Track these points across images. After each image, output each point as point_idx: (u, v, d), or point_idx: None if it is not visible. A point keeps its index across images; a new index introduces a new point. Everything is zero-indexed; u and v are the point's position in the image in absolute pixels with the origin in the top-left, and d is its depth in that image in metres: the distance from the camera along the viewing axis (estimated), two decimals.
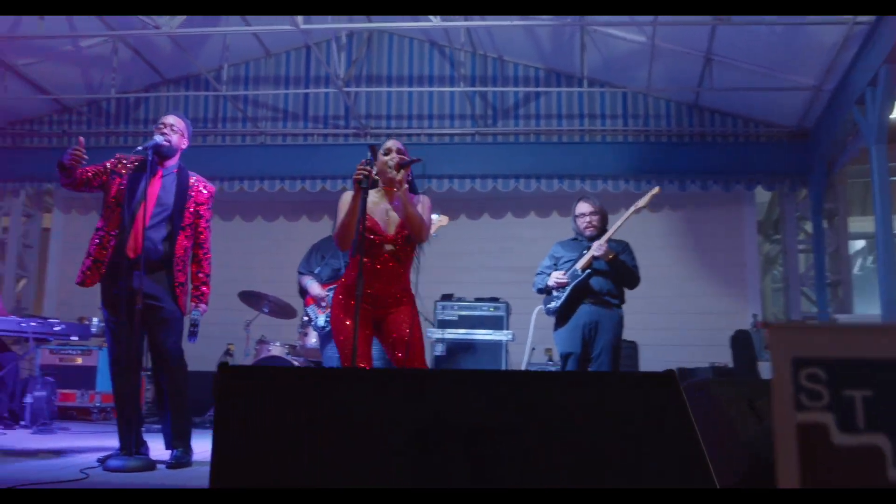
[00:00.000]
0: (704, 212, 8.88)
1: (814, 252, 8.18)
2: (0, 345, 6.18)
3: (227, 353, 7.95)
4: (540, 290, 5.20)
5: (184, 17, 6.53)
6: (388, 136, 8.73)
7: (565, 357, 5.03)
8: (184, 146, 4.33)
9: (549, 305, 5.13)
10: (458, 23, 7.35)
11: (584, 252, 5.02)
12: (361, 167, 3.61)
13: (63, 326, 5.97)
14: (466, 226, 9.61)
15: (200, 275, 4.25)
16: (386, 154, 3.75)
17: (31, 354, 6.31)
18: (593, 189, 8.38)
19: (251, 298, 7.07)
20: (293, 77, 8.89)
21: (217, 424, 1.48)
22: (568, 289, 4.97)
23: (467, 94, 8.46)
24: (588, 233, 5.08)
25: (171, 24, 6.45)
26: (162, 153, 4.17)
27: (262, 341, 7.21)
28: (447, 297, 6.98)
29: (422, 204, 3.84)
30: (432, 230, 5.43)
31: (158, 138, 4.15)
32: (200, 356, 8.67)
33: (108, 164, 4.20)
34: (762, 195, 9.37)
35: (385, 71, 8.85)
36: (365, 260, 3.60)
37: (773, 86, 7.31)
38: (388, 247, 3.72)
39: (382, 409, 1.47)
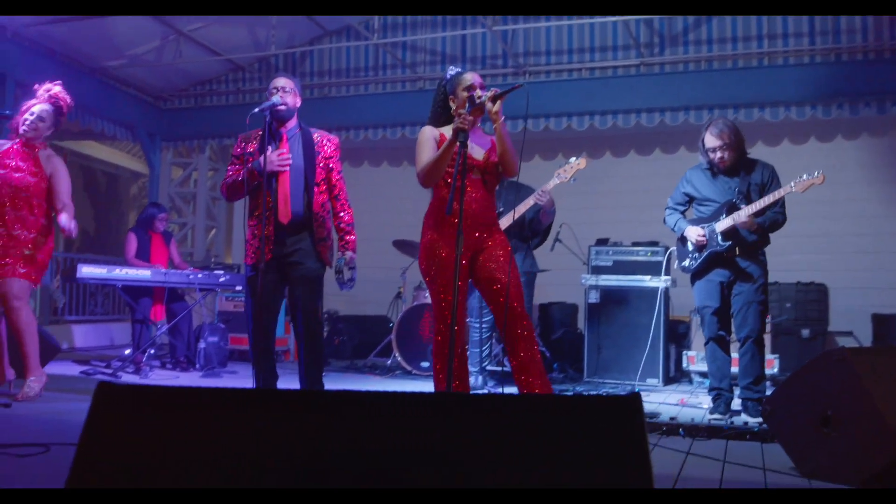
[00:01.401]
0: None
1: None
2: (175, 295, 6.66)
3: (398, 296, 8.11)
4: (673, 230, 4.79)
5: None
6: (548, 73, 8.42)
7: (704, 311, 4.62)
8: (298, 104, 4.33)
9: (683, 263, 4.72)
10: None
11: (728, 198, 4.51)
12: (466, 116, 3.42)
13: (227, 277, 6.30)
14: (625, 164, 9.14)
15: (342, 224, 4.25)
16: (469, 90, 3.59)
17: (199, 305, 6.72)
18: (774, 118, 7.59)
19: (405, 246, 7.11)
20: (450, 19, 8.70)
21: (81, 445, 1.37)
22: (705, 253, 4.53)
23: (631, 22, 7.87)
24: (720, 167, 4.56)
25: None
26: (281, 116, 4.18)
27: (419, 288, 7.26)
28: (602, 242, 6.63)
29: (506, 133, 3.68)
30: (569, 175, 5.16)
31: (275, 99, 4.16)
32: (373, 300, 9.00)
33: (236, 153, 4.27)
34: None
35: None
36: (446, 188, 3.58)
37: None
38: (476, 173, 3.65)
39: (266, 437, 1.31)
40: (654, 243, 6.46)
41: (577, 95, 8.11)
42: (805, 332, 7.40)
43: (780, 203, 4.50)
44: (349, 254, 4.21)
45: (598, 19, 8.05)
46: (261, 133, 4.19)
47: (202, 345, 6.45)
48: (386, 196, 9.56)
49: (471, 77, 3.66)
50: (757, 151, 8.28)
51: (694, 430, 3.89)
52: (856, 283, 7.84)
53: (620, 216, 8.44)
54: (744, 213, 4.39)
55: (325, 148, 4.26)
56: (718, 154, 4.53)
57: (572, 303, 7.89)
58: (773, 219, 4.50)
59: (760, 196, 4.48)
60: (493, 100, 3.46)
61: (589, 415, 1.22)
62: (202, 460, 1.31)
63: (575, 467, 1.18)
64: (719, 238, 4.48)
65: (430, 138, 3.67)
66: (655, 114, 7.91)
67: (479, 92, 3.56)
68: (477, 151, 3.66)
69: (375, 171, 10.17)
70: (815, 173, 4.40)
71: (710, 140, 4.55)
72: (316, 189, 4.16)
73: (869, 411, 2.81)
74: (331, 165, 4.24)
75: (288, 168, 4.12)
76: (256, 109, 4.10)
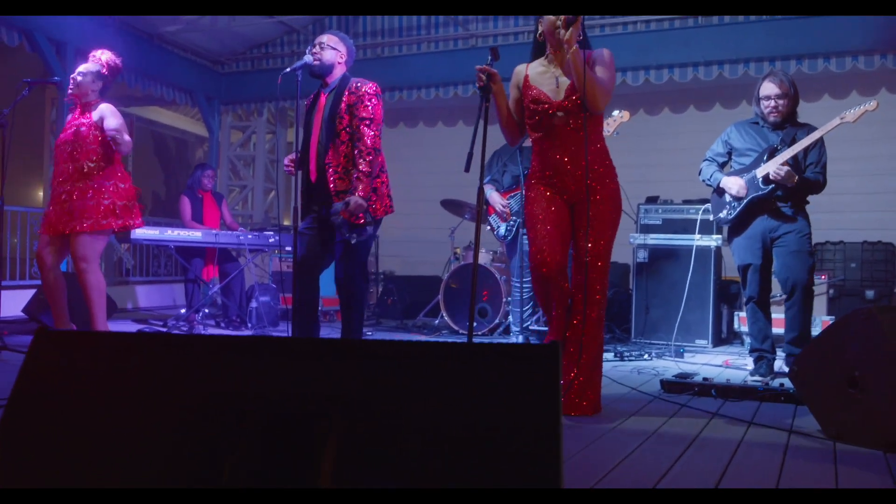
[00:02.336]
0: None
1: None
2: (227, 255, 6.81)
3: (455, 256, 8.11)
4: (707, 183, 4.63)
5: None
6: (602, 27, 8.19)
7: (744, 268, 4.47)
8: (341, 60, 4.26)
9: (720, 215, 4.56)
10: None
11: (769, 145, 4.34)
12: (481, 70, 3.33)
13: (277, 238, 6.41)
14: (683, 120, 8.86)
15: (355, 172, 3.96)
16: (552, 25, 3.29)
17: (250, 265, 6.86)
18: (840, 69, 7.23)
19: (453, 206, 7.08)
20: None
21: (15, 388, 1.41)
22: (744, 202, 4.36)
23: None
24: (772, 118, 4.37)
25: None
26: (314, 72, 4.17)
27: (468, 248, 7.24)
28: (652, 200, 6.46)
29: (600, 62, 3.34)
30: (611, 129, 5.02)
31: (307, 58, 4.15)
32: (428, 261, 9.04)
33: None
34: None
35: None
36: (536, 135, 3.45)
37: None
38: (559, 114, 3.35)
39: (177, 381, 1.31)
40: (706, 201, 6.26)
41: (633, 49, 7.87)
42: (869, 294, 7.10)
43: (821, 164, 4.30)
44: (353, 199, 3.87)
45: None
46: (314, 93, 4.21)
47: (254, 304, 6.60)
48: (443, 156, 9.53)
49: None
50: (824, 104, 7.99)
51: (727, 392, 3.78)
52: None
53: (678, 175, 8.20)
54: (778, 160, 4.21)
55: (351, 95, 4.04)
56: (773, 102, 4.35)
57: (623, 262, 7.75)
58: (814, 178, 4.30)
59: (804, 153, 4.30)
60: (565, 25, 3.19)
61: (504, 363, 1.18)
62: (125, 401, 1.34)
63: (485, 416, 1.15)
64: (760, 182, 4.31)
65: (511, 83, 3.51)
66: (714, 67, 7.64)
67: (552, 19, 3.27)
68: (562, 91, 3.36)
69: (430, 131, 10.15)
70: (869, 101, 4.18)
71: (768, 87, 4.39)
72: (338, 140, 4.04)
73: (893, 371, 2.68)
74: (355, 112, 4.01)
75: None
76: (288, 69, 4.10)
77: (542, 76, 3.43)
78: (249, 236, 6.39)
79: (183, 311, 6.92)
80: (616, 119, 5.01)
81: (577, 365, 3.34)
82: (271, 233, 6.63)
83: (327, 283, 4.52)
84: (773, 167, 4.22)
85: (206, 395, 1.29)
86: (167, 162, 14.45)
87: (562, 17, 3.22)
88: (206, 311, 6.68)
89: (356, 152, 4.00)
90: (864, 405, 2.79)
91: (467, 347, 1.23)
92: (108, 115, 4.68)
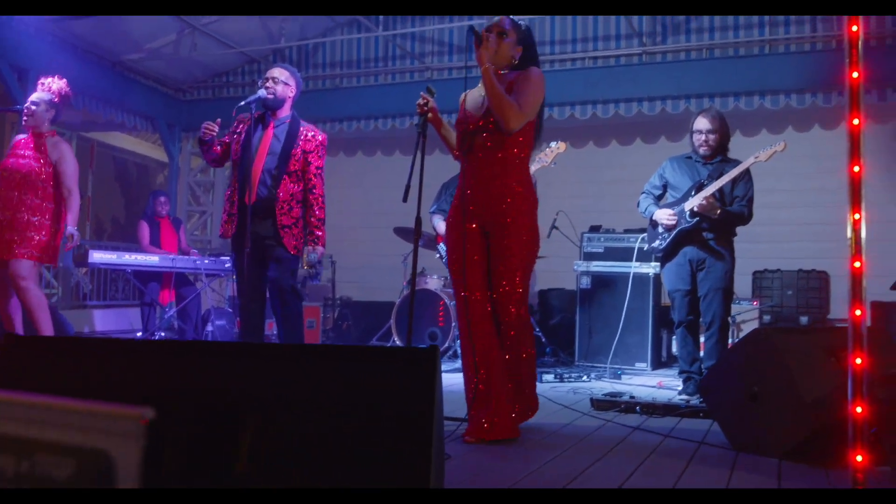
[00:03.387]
0: None
1: None
2: (184, 280, 6.96)
3: (407, 282, 8.32)
4: (643, 215, 4.93)
5: None
6: (552, 62, 8.53)
7: (673, 294, 4.76)
8: (291, 95, 4.52)
9: (652, 244, 4.87)
10: None
11: (697, 180, 4.65)
12: (420, 103, 3.54)
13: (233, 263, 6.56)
14: (629, 152, 9.21)
15: (312, 219, 4.38)
16: (488, 32, 3.38)
17: (206, 289, 7.00)
18: (774, 106, 7.63)
19: (405, 233, 7.31)
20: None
21: None
22: (674, 233, 4.66)
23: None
24: (702, 151, 4.71)
25: None
26: (268, 105, 4.41)
27: (421, 274, 7.46)
28: (595, 229, 6.76)
29: (522, 79, 3.33)
30: (549, 159, 5.28)
31: (261, 92, 4.39)
32: (384, 287, 9.23)
33: (230, 129, 4.53)
34: None
35: None
36: (460, 155, 3.49)
37: None
38: (478, 132, 3.36)
39: (100, 379, 1.52)
40: (646, 230, 6.57)
41: (580, 84, 8.21)
42: (804, 320, 7.45)
43: (747, 198, 4.61)
44: (319, 248, 4.36)
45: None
46: (251, 119, 4.43)
47: (210, 328, 6.75)
48: (397, 185, 9.76)
49: (495, 21, 3.41)
50: (760, 140, 8.37)
51: (651, 409, 4.04)
52: None
53: (625, 205, 8.49)
54: (703, 194, 4.51)
55: (308, 142, 4.42)
56: (703, 136, 4.68)
57: (571, 289, 8.02)
58: (738, 211, 4.60)
59: (731, 186, 4.61)
60: (477, 45, 3.28)
61: (387, 364, 1.39)
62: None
63: (368, 414, 1.36)
64: (687, 215, 4.61)
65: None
66: (657, 102, 8.00)
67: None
68: (478, 110, 3.42)
69: (387, 160, 10.39)
70: (778, 142, 4.54)
71: (700, 122, 4.75)
72: (287, 178, 4.34)
73: (788, 387, 2.94)
74: (309, 159, 4.39)
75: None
76: (242, 102, 4.35)
77: (474, 98, 3.53)
78: (206, 261, 6.56)
79: (139, 334, 7.03)
80: (553, 150, 5.27)
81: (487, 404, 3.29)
82: (227, 258, 6.79)
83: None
84: (698, 200, 4.52)
85: (147, 393, 1.50)
86: (128, 187, 14.48)
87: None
88: (163, 334, 6.80)
89: (312, 198, 4.39)
90: (762, 418, 3.05)
91: (356, 350, 1.44)
92: (66, 160, 4.90)
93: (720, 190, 4.58)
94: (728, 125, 4.79)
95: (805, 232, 8.32)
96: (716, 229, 4.63)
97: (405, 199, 3.39)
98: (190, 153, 10.55)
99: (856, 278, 2.12)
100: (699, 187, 4.61)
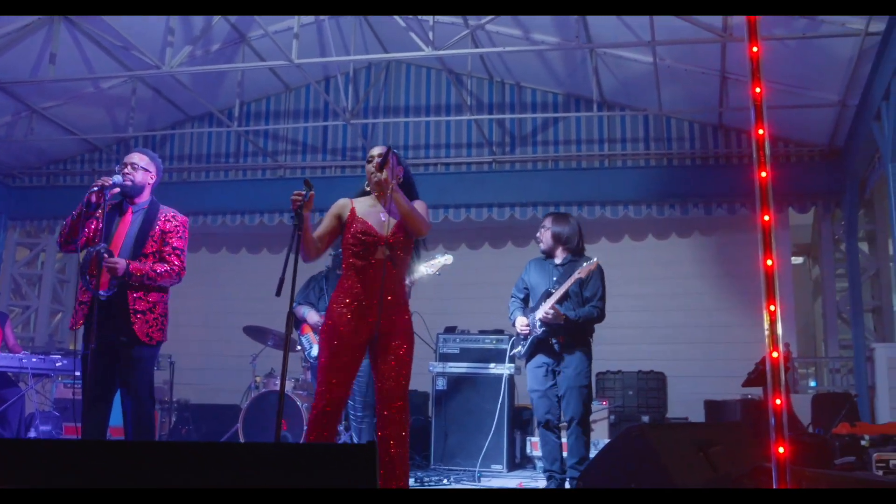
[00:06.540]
0: (733, 237, 8.45)
1: (848, 276, 7.69)
2: (5, 380, 6.31)
3: (256, 386, 7.95)
4: (510, 321, 5.05)
5: (185, 56, 6.62)
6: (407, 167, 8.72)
7: (532, 395, 4.85)
8: (150, 181, 4.29)
9: (516, 349, 5.00)
10: (468, 50, 7.23)
11: (547, 287, 4.82)
12: (294, 197, 3.51)
13: (65, 362, 6.06)
14: (479, 256, 9.48)
15: (148, 265, 4.01)
16: (369, 161, 3.68)
17: (31, 391, 6.40)
18: (614, 216, 8.14)
19: (256, 333, 7.06)
20: (312, 110, 8.94)
21: None
22: (529, 340, 4.82)
23: (484, 121, 8.34)
24: (541, 247, 4.95)
25: (172, 64, 6.54)
26: (126, 192, 4.16)
27: (269, 375, 7.17)
28: (450, 330, 6.81)
29: (417, 203, 3.75)
30: (435, 269, 5.35)
31: (117, 178, 4.15)
32: (227, 389, 8.79)
33: (86, 200, 4.20)
34: (807, 218, 8.90)
35: (402, 101, 8.81)
36: (356, 262, 3.59)
37: (797, 103, 6.94)
38: (383, 249, 3.61)
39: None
40: (500, 331, 6.69)
41: (433, 189, 8.40)
42: (645, 418, 7.75)
43: (598, 297, 4.80)
44: (121, 264, 3.88)
45: (454, 118, 8.48)
46: (110, 205, 4.14)
47: (33, 433, 6.12)
48: (243, 283, 9.51)
49: (374, 149, 3.72)
50: (601, 246, 8.85)
51: None
52: (690, 372, 8.31)
53: (476, 307, 8.67)
54: (550, 302, 4.67)
55: (167, 223, 4.16)
56: (538, 233, 4.93)
57: (423, 391, 7.98)
58: (588, 313, 4.77)
59: (580, 287, 4.78)
60: (378, 168, 3.58)
61: (328, 461, 1.30)
62: None
63: None
64: (538, 325, 4.74)
65: (330, 212, 3.75)
66: (506, 208, 8.34)
67: (375, 161, 3.64)
68: (387, 228, 3.64)
69: (233, 258, 10.10)
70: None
71: (545, 220, 5.02)
72: (142, 260, 4.08)
73: (664, 483, 3.01)
74: (167, 239, 4.12)
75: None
76: (96, 187, 4.07)
77: (369, 211, 3.68)
78: (34, 360, 6.00)
79: None
80: (441, 261, 5.34)
81: None
82: (58, 356, 6.25)
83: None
84: (543, 311, 4.68)
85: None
86: None
87: (374, 163, 3.61)
88: None
89: (161, 266, 4.07)
90: None
91: (293, 449, 1.34)
92: None
93: (570, 292, 4.74)
94: (574, 226, 4.99)
95: (645, 335, 8.77)
96: (567, 333, 4.76)
97: (278, 294, 3.28)
98: (16, 243, 9.79)
99: (774, 368, 2.22)
100: (547, 295, 4.78)
